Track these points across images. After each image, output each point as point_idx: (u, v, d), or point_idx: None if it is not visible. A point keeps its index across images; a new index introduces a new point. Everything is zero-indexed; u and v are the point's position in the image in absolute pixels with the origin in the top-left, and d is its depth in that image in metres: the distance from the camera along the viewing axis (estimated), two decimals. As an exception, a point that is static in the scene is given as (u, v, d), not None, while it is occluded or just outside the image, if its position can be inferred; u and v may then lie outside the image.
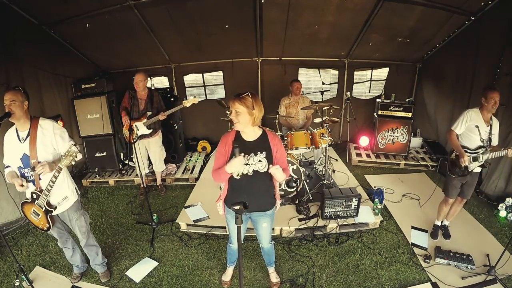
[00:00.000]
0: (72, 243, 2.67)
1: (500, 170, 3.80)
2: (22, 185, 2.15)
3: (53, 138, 2.20)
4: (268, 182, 2.19)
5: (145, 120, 3.84)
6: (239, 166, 1.96)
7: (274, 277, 2.73)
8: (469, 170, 2.84)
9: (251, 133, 2.09)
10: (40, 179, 2.20)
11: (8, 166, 2.23)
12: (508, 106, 3.61)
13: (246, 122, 1.99)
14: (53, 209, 2.30)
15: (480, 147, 2.82)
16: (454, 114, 4.83)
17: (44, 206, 2.24)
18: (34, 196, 2.25)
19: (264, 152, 2.08)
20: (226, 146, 2.10)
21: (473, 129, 2.80)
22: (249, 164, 2.07)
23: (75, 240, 2.74)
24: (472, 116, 2.80)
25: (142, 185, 3.83)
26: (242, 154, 1.98)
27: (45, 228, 2.36)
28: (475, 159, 2.79)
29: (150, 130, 3.94)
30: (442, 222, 3.29)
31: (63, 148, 2.20)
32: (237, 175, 2.06)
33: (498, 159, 3.74)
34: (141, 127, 3.88)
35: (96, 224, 3.64)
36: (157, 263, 2.98)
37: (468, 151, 2.84)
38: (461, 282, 2.67)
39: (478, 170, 2.89)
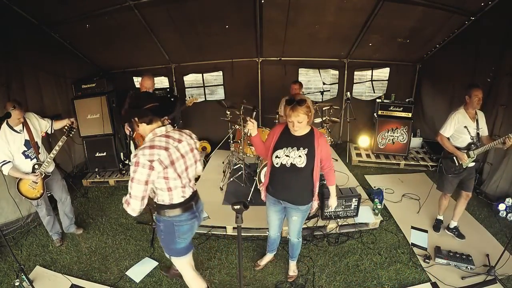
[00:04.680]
0: (52, 211, 3.19)
1: (502, 170, 3.80)
2: (36, 176, 2.85)
3: (37, 122, 2.98)
4: (306, 178, 2.21)
5: None
6: (252, 128, 2.14)
7: (292, 271, 2.80)
8: (464, 167, 2.93)
9: (301, 130, 2.14)
10: (39, 153, 2.92)
11: (8, 162, 2.74)
12: (508, 107, 3.61)
13: (304, 127, 2.09)
14: (50, 174, 3.02)
15: (470, 144, 2.89)
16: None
17: (44, 173, 2.92)
18: (36, 167, 2.89)
19: (307, 149, 2.13)
20: (275, 135, 2.24)
21: (462, 130, 2.87)
22: (289, 156, 2.14)
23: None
24: (460, 118, 2.87)
25: None
26: (254, 120, 2.14)
27: (39, 195, 2.94)
28: (468, 155, 2.87)
29: None
30: (448, 225, 3.30)
31: (45, 122, 3.05)
32: (276, 163, 2.16)
33: (500, 159, 3.77)
34: None
35: (96, 224, 3.64)
36: (157, 263, 2.99)
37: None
38: (460, 282, 2.68)
39: (473, 164, 2.97)
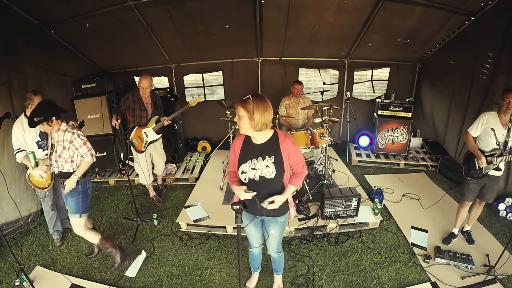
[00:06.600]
0: (55, 207, 3.28)
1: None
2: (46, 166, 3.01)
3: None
4: (279, 187, 2.04)
5: (154, 125, 3.78)
6: (242, 195, 1.92)
7: (276, 285, 2.67)
8: (484, 172, 2.82)
9: (259, 136, 1.99)
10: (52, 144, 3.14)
11: (23, 150, 2.99)
12: None
13: (247, 127, 1.91)
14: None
15: (494, 149, 2.79)
16: (452, 114, 4.83)
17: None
18: (45, 157, 3.00)
19: (273, 156, 1.96)
20: (235, 149, 2.08)
21: (489, 132, 2.78)
22: (255, 169, 1.99)
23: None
24: (489, 119, 2.77)
25: (152, 194, 4.09)
26: (251, 192, 1.91)
27: (47, 186, 3.08)
28: (489, 162, 2.77)
29: (160, 135, 3.90)
30: (462, 228, 3.24)
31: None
32: (244, 179, 2.02)
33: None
34: (150, 133, 3.80)
35: (96, 224, 3.63)
36: (146, 254, 3.06)
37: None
38: (460, 282, 2.68)
39: (498, 173, 2.86)
